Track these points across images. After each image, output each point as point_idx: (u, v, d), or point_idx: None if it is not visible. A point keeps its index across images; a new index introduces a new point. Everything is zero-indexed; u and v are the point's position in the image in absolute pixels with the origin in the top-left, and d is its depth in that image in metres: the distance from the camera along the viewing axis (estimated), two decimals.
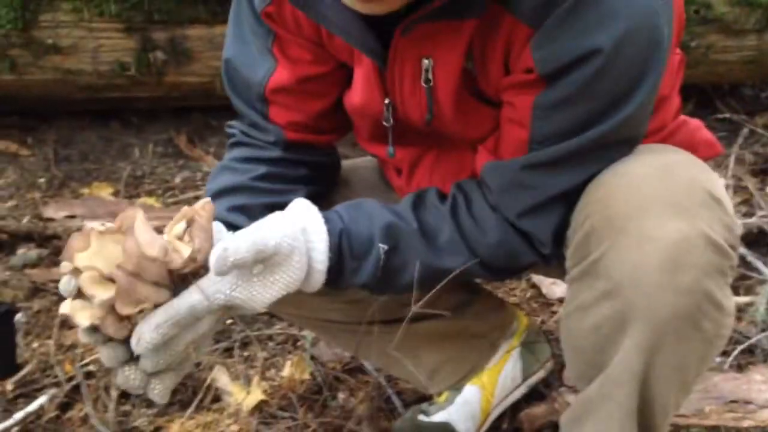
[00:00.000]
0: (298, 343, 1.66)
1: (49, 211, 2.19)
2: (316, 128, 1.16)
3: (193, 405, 1.46)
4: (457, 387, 1.41)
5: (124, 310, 0.81)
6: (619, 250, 0.90)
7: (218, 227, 0.98)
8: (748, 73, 2.65)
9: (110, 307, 0.82)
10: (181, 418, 1.44)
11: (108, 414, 1.45)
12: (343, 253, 0.98)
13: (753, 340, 1.60)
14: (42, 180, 2.40)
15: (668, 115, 1.15)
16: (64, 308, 0.84)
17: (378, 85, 1.06)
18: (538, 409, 1.46)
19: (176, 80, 2.55)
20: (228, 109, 1.19)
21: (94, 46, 2.46)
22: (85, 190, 2.35)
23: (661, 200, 0.91)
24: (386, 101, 1.07)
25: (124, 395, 1.50)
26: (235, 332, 1.67)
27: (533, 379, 1.46)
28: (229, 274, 0.88)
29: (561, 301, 1.80)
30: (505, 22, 0.93)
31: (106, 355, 0.87)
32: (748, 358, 1.59)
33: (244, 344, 1.65)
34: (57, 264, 0.86)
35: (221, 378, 1.53)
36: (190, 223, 0.86)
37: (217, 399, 1.49)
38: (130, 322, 0.84)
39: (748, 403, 1.46)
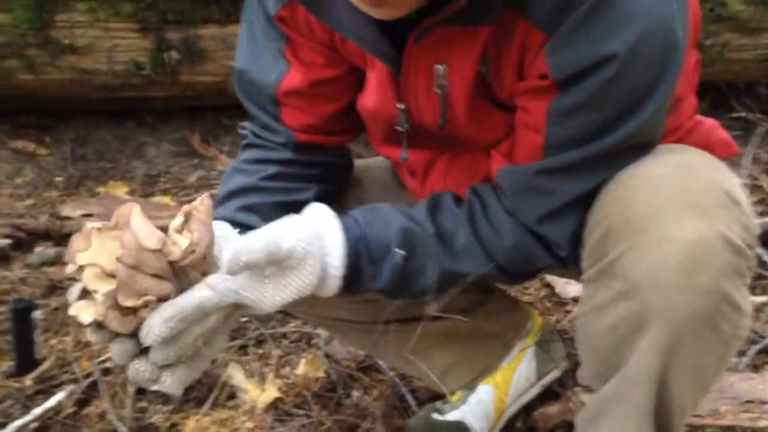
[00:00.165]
0: (312, 342, 1.67)
1: (66, 210, 2.21)
2: (328, 130, 1.17)
3: (209, 402, 1.47)
4: (471, 386, 1.41)
5: (126, 302, 0.82)
6: (637, 250, 0.90)
7: (227, 228, 0.98)
8: (764, 71, 2.63)
9: (113, 303, 0.82)
10: (196, 414, 1.45)
11: (125, 410, 1.46)
12: (361, 258, 0.97)
13: None
14: (59, 179, 2.42)
15: (684, 116, 1.14)
16: (72, 310, 0.85)
17: (392, 90, 1.06)
18: (552, 409, 1.46)
19: (190, 80, 2.57)
20: (241, 108, 1.20)
21: (110, 46, 2.48)
22: (101, 189, 2.36)
23: (679, 201, 0.90)
24: (400, 106, 1.07)
25: (141, 392, 1.51)
26: (249, 330, 1.68)
27: (547, 379, 1.46)
28: (242, 273, 0.89)
29: (575, 300, 1.80)
30: (520, 27, 0.93)
31: (115, 351, 0.87)
32: (764, 358, 1.58)
33: (259, 342, 1.66)
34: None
35: (236, 375, 1.54)
36: (187, 217, 0.86)
37: (232, 396, 1.50)
38: (135, 316, 0.84)
39: (764, 403, 1.45)
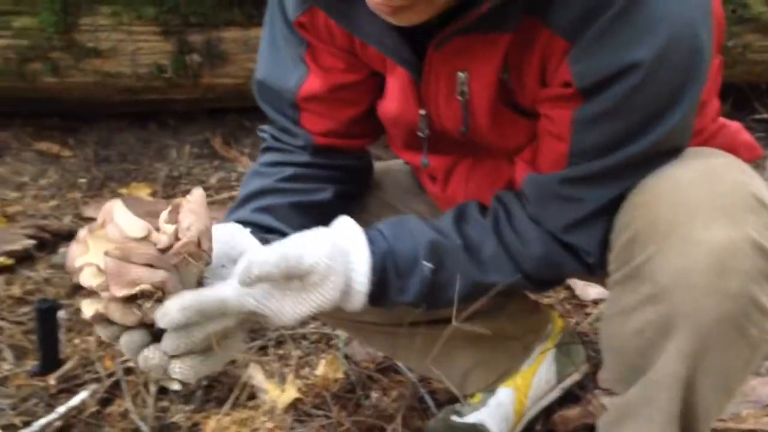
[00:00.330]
0: (332, 342, 1.67)
1: (90, 211, 2.23)
2: (347, 134, 1.16)
3: (229, 402, 1.48)
4: (490, 389, 1.41)
5: (119, 292, 0.81)
6: (665, 254, 0.89)
7: (244, 231, 0.98)
8: None
9: (109, 298, 0.82)
10: (217, 414, 1.46)
11: (147, 409, 1.47)
12: (388, 273, 0.97)
13: None
14: (83, 180, 2.44)
15: (708, 119, 1.13)
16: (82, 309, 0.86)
17: (413, 96, 1.05)
18: (572, 412, 1.45)
19: (212, 82, 2.59)
20: (262, 110, 1.20)
21: (133, 49, 2.51)
22: (124, 190, 2.38)
23: (707, 204, 0.90)
24: (422, 112, 1.06)
25: (163, 391, 1.53)
26: (269, 331, 1.69)
27: (568, 382, 1.46)
28: (260, 285, 0.88)
29: (595, 302, 1.79)
30: (542, 35, 0.92)
31: (123, 343, 0.85)
32: None
33: (279, 343, 1.67)
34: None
35: (256, 376, 1.55)
36: (176, 208, 0.86)
37: (252, 396, 1.51)
38: (138, 308, 0.83)
39: None
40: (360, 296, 0.95)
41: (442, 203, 1.23)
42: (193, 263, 0.85)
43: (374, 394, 1.53)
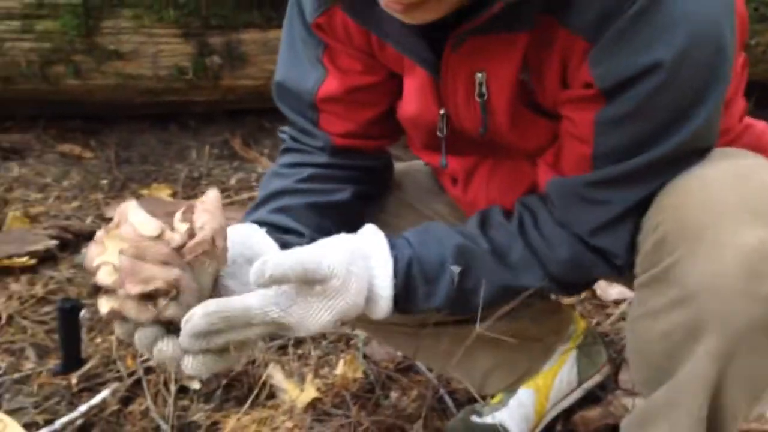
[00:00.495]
0: (351, 342, 1.67)
1: (111, 212, 2.23)
2: (366, 135, 1.16)
3: (249, 401, 1.48)
4: (511, 389, 1.41)
5: (134, 289, 0.82)
6: (694, 257, 0.88)
7: (260, 232, 0.98)
8: None
9: (123, 295, 0.83)
10: (237, 413, 1.46)
11: (167, 408, 1.48)
12: (414, 278, 0.96)
13: None
14: (104, 181, 2.46)
15: (734, 119, 1.12)
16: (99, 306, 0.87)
17: (433, 95, 1.05)
18: (593, 412, 1.44)
19: (232, 84, 2.60)
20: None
21: (154, 52, 2.53)
22: (145, 191, 2.40)
23: (737, 206, 0.88)
24: (441, 112, 1.06)
25: (183, 390, 1.54)
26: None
27: (589, 383, 1.45)
28: (287, 289, 0.87)
29: (616, 303, 1.78)
30: (560, 35, 0.91)
31: (137, 338, 0.86)
32: None
33: (298, 342, 1.67)
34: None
35: (276, 375, 1.55)
36: (189, 208, 0.86)
37: (272, 396, 1.51)
38: (153, 305, 0.84)
39: None
40: (384, 302, 0.94)
41: (463, 206, 1.22)
42: (207, 262, 0.86)
43: (394, 394, 1.52)
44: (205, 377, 0.88)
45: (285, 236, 1.01)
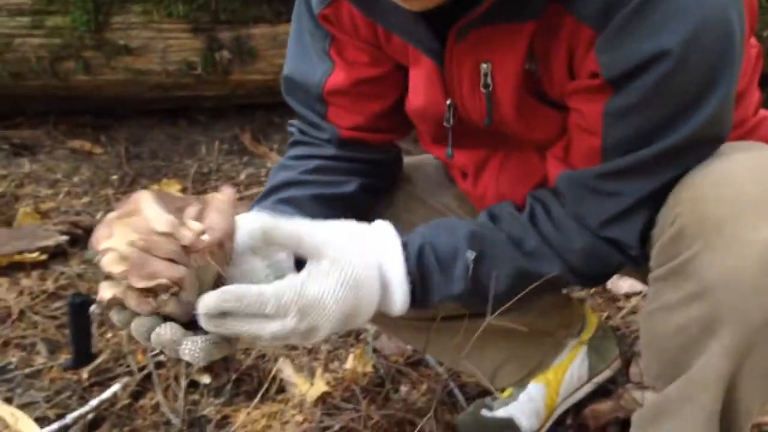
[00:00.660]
0: (361, 337, 1.67)
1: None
2: (374, 128, 1.16)
3: (259, 395, 1.48)
4: (521, 383, 1.40)
5: (138, 283, 0.82)
6: (712, 251, 0.87)
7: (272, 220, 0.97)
8: None
9: (126, 285, 0.83)
10: (247, 407, 1.47)
11: (177, 403, 1.49)
12: (428, 266, 0.95)
13: None
14: (114, 177, 2.47)
15: (748, 111, 1.10)
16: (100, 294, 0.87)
17: (440, 86, 1.04)
18: (604, 406, 1.44)
19: (241, 78, 2.60)
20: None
21: (163, 47, 2.53)
22: (155, 187, 2.41)
23: (756, 200, 0.87)
24: (448, 102, 1.05)
25: (193, 385, 1.54)
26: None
27: (600, 378, 1.44)
28: (299, 276, 0.86)
29: (627, 296, 1.77)
30: (566, 24, 0.90)
31: (134, 327, 0.85)
32: None
33: None
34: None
35: (286, 369, 1.56)
36: (204, 205, 0.86)
37: (281, 390, 1.52)
38: (154, 299, 0.84)
39: None
40: (400, 292, 0.92)
41: (473, 199, 1.22)
42: (212, 264, 0.86)
43: (403, 388, 1.52)
44: (202, 364, 0.87)
45: None
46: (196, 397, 1.52)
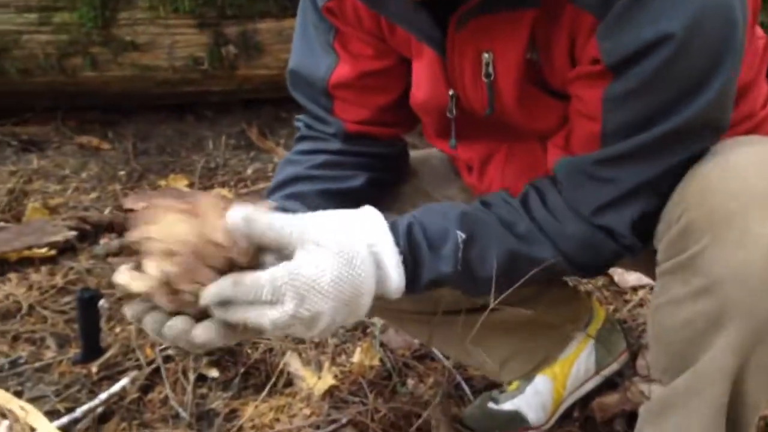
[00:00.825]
0: (368, 330, 1.67)
1: (129, 203, 2.26)
2: (380, 122, 1.16)
3: (267, 389, 1.49)
4: (528, 377, 1.41)
5: (182, 285, 0.83)
6: (721, 246, 0.87)
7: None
8: None
9: (164, 281, 0.84)
10: (255, 401, 1.48)
11: (186, 396, 1.50)
12: (418, 244, 0.93)
13: None
14: (122, 173, 2.48)
15: (756, 104, 1.09)
16: (121, 278, 0.86)
17: (442, 77, 1.04)
18: (611, 399, 1.44)
19: (248, 73, 2.61)
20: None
21: (170, 42, 2.54)
22: (163, 182, 2.42)
23: (763, 195, 0.87)
24: (450, 93, 1.05)
25: (202, 378, 1.55)
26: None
27: (607, 371, 1.45)
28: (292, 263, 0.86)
29: (634, 289, 1.77)
30: (567, 11, 0.90)
31: (148, 322, 0.86)
32: None
33: None
34: (137, 253, 0.88)
35: (293, 363, 1.56)
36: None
37: (289, 383, 1.52)
38: (178, 298, 0.84)
39: None
40: (394, 271, 0.90)
41: (479, 193, 1.21)
42: None
43: (410, 381, 1.53)
44: (216, 343, 0.86)
45: None
46: (204, 390, 1.53)
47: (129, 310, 0.87)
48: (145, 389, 1.53)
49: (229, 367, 1.58)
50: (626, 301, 1.74)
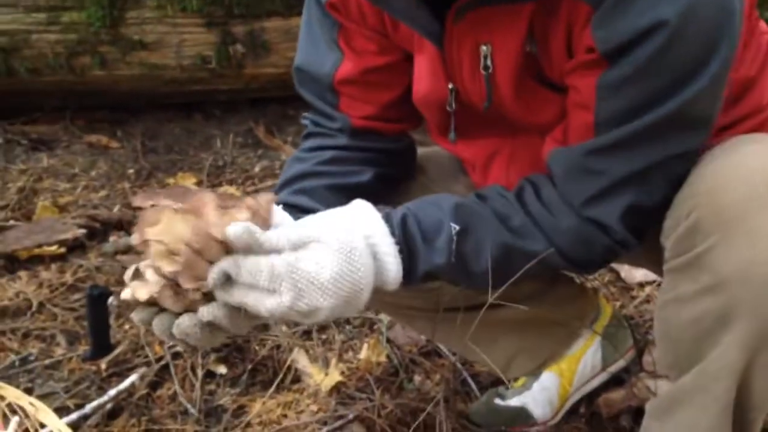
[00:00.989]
0: (375, 327, 1.68)
1: (138, 201, 2.25)
2: (385, 118, 1.16)
3: (274, 385, 1.50)
4: (535, 373, 1.41)
5: (186, 284, 0.84)
6: (728, 245, 0.87)
7: (282, 214, 0.97)
8: None
9: (169, 282, 0.85)
10: (262, 397, 1.48)
11: (194, 392, 1.51)
12: (413, 235, 0.94)
13: None
14: (131, 171, 2.49)
15: (762, 99, 1.08)
16: (126, 293, 0.87)
17: (442, 71, 1.04)
18: (617, 395, 1.44)
19: (255, 72, 2.62)
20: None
21: (178, 41, 2.55)
22: (171, 180, 2.43)
23: None
24: (450, 86, 1.06)
25: (210, 375, 1.56)
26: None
27: (613, 368, 1.45)
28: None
29: (641, 285, 1.77)
30: (564, 3, 0.90)
31: (157, 325, 0.87)
32: None
33: (322, 327, 1.68)
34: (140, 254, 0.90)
35: (301, 360, 1.57)
36: (254, 214, 0.87)
37: (296, 380, 1.53)
38: (185, 297, 0.86)
39: None
40: (392, 261, 0.91)
41: None
42: None
43: (417, 378, 1.53)
44: (220, 322, 0.87)
45: (302, 215, 1.00)
46: (212, 387, 1.54)
47: (136, 316, 0.89)
48: (154, 386, 1.54)
49: (236, 364, 1.59)
50: (633, 297, 1.74)
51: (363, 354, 1.58)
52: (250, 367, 1.57)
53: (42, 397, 1.45)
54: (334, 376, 1.51)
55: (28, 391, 1.49)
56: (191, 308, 0.87)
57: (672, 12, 0.84)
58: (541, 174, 1.02)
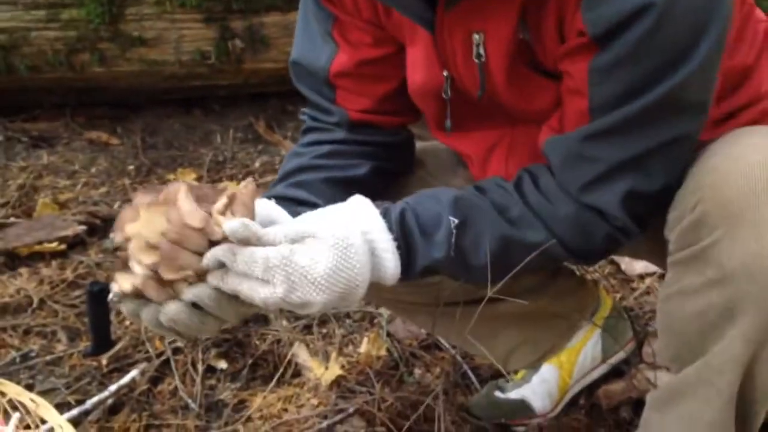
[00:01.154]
0: (375, 321, 1.68)
1: (139, 197, 2.27)
2: (382, 111, 1.16)
3: (275, 379, 1.50)
4: (535, 365, 1.41)
5: (167, 275, 0.84)
6: (734, 238, 0.87)
7: (274, 206, 0.98)
8: None
9: (153, 274, 0.85)
10: (263, 391, 1.49)
11: (195, 387, 1.51)
12: (411, 229, 0.94)
13: None
14: (131, 167, 2.49)
15: (760, 88, 1.08)
16: (114, 285, 0.89)
17: (436, 59, 1.04)
18: (617, 386, 1.44)
19: (254, 67, 2.61)
20: None
21: (177, 37, 2.55)
22: (171, 176, 2.42)
23: None
24: (445, 74, 1.05)
25: (210, 370, 1.57)
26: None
27: (613, 360, 1.45)
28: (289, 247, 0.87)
29: (641, 277, 1.77)
30: None
31: (146, 315, 0.87)
32: None
33: (323, 322, 1.69)
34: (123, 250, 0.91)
35: (301, 354, 1.57)
36: (231, 200, 0.87)
37: (297, 374, 1.54)
38: (171, 288, 0.86)
39: None
40: (389, 257, 0.91)
41: None
42: None
43: (417, 371, 1.54)
44: (211, 306, 0.87)
45: (299, 208, 1.01)
46: (213, 381, 1.54)
47: (125, 308, 0.90)
48: (155, 381, 1.55)
49: (237, 359, 1.59)
50: (633, 289, 1.74)
51: (363, 348, 1.58)
52: (250, 361, 1.57)
53: (43, 393, 1.45)
54: (335, 370, 1.51)
55: (29, 388, 1.49)
56: (178, 297, 0.87)
57: None
58: (539, 164, 1.01)
